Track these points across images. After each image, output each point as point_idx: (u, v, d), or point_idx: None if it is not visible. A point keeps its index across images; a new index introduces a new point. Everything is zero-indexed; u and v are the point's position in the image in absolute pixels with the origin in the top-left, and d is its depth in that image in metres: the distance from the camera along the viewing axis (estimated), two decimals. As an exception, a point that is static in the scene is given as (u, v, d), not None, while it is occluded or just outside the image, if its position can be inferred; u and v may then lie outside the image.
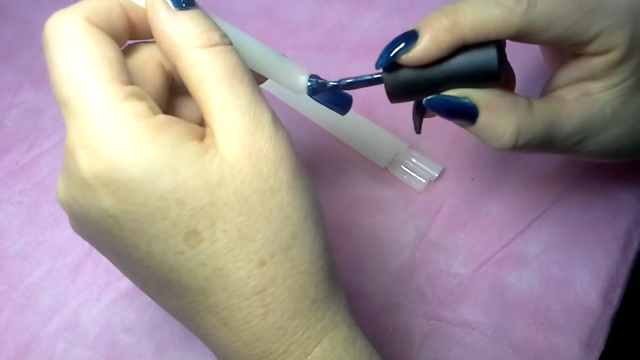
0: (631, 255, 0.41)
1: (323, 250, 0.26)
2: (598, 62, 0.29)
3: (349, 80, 0.31)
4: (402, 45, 0.28)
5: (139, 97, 0.23)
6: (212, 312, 0.25)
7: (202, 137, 0.24)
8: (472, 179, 0.44)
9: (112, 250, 0.25)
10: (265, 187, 0.24)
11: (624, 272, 0.40)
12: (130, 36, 0.26)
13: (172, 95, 0.28)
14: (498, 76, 0.29)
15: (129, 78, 0.24)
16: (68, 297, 0.40)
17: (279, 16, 0.52)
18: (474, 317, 0.39)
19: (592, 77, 0.30)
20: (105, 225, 0.24)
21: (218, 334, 0.25)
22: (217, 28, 0.25)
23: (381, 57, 0.29)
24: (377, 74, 0.30)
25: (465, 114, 0.29)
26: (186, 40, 0.24)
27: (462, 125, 0.31)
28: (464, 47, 0.28)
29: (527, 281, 0.40)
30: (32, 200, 0.44)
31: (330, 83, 0.31)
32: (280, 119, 0.46)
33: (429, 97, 0.30)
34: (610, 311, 0.39)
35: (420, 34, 0.28)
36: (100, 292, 0.40)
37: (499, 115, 0.29)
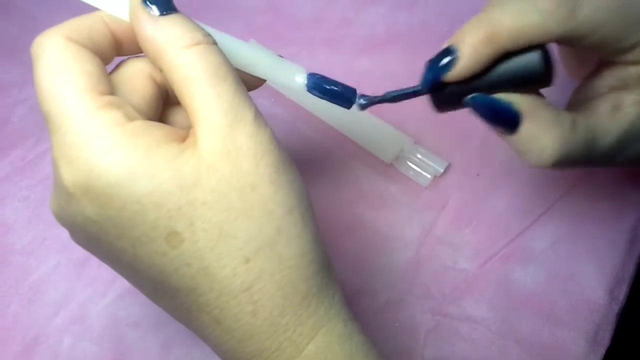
0: (637, 251, 0.40)
1: (313, 244, 0.25)
2: (633, 70, 0.29)
3: (395, 95, 0.31)
4: (443, 64, 0.28)
5: (116, 105, 0.24)
6: (204, 311, 0.25)
7: (182, 139, 0.24)
8: (478, 175, 0.43)
9: (105, 255, 0.26)
10: (244, 184, 0.24)
11: (630, 268, 0.40)
12: (118, 52, 0.27)
13: (166, 106, 0.28)
14: (547, 78, 0.28)
15: (108, 88, 0.24)
16: (74, 292, 0.40)
17: (284, 11, 0.52)
18: (479, 313, 0.39)
19: (624, 86, 0.29)
20: (92, 232, 0.24)
21: (213, 333, 0.25)
22: (199, 28, 0.25)
23: (424, 79, 0.29)
24: (418, 86, 0.30)
25: (508, 118, 0.28)
26: (169, 43, 0.24)
27: (501, 134, 0.29)
28: (506, 54, 0.27)
29: (532, 276, 0.40)
30: (38, 196, 0.44)
31: (376, 99, 0.32)
32: (285, 114, 0.46)
33: (473, 95, 0.29)
34: (616, 307, 0.39)
35: (459, 50, 0.27)
36: (106, 287, 0.40)
37: (541, 127, 0.28)
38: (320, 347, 0.25)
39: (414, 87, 0.30)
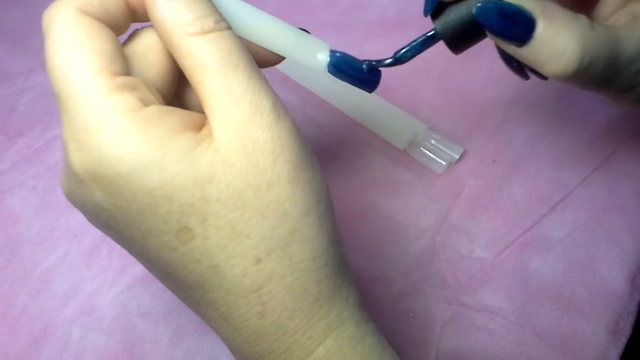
0: (660, 239, 0.39)
1: (328, 246, 0.24)
2: None
3: (404, 51, 0.29)
4: None
5: (130, 87, 0.22)
6: (212, 307, 0.24)
7: (199, 127, 0.23)
8: (494, 161, 0.42)
9: (117, 240, 0.25)
10: (261, 181, 0.22)
11: (652, 256, 0.39)
12: (133, 19, 0.25)
13: (182, 80, 0.27)
14: None
15: (123, 67, 0.23)
16: (83, 283, 0.40)
17: (294, -5, 0.51)
18: (496, 303, 0.38)
19: None
20: (102, 218, 0.24)
21: (221, 328, 0.25)
22: (212, 13, 0.23)
23: (426, 5, 0.27)
24: (429, 31, 0.28)
25: (521, 23, 0.25)
26: (179, 28, 0.23)
27: (514, 49, 0.26)
28: None
29: (551, 265, 0.39)
30: (46, 185, 0.44)
31: (387, 61, 0.29)
32: (296, 100, 0.45)
33: (478, 5, 0.26)
34: (638, 296, 0.38)
35: None
36: (115, 277, 0.40)
37: (559, 26, 0.25)
38: (330, 351, 0.25)
39: (422, 35, 0.28)
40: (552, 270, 0.39)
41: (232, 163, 0.22)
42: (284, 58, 0.28)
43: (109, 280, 0.40)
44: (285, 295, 0.24)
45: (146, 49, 0.25)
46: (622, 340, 0.37)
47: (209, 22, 0.23)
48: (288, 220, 0.23)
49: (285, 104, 0.47)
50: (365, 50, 0.48)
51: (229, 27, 0.24)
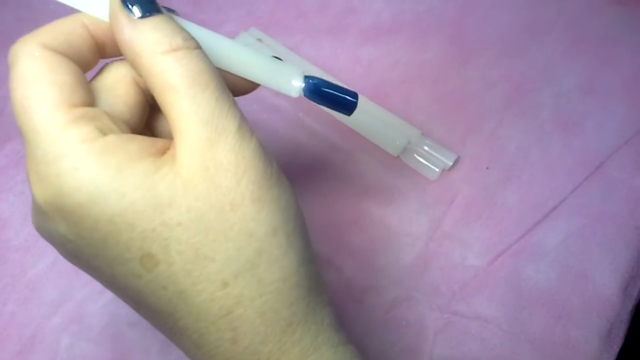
0: (653, 247, 0.39)
1: (298, 266, 0.24)
2: None
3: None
4: None
5: (89, 118, 0.22)
6: (184, 335, 0.24)
7: (162, 152, 0.23)
8: (488, 168, 0.42)
9: (87, 271, 0.25)
10: (224, 202, 0.22)
11: (645, 264, 0.39)
12: (101, 55, 0.25)
13: (154, 112, 0.27)
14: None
15: (85, 99, 0.23)
16: (72, 290, 0.39)
17: (287, -1, 0.51)
18: (489, 311, 0.38)
19: None
20: (69, 249, 0.23)
21: (195, 356, 0.24)
22: (180, 32, 0.23)
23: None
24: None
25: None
26: (147, 48, 0.22)
27: None
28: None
29: (544, 273, 0.39)
30: (35, 191, 0.43)
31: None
32: (288, 106, 0.45)
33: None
34: (630, 304, 0.38)
35: None
36: (105, 285, 0.39)
37: None
38: None
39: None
40: (545, 278, 0.39)
41: (194, 185, 0.22)
42: (258, 85, 0.28)
43: (98, 288, 0.39)
44: (256, 320, 0.23)
45: (114, 82, 0.25)
46: (615, 349, 0.37)
47: (177, 40, 0.22)
48: (254, 240, 0.23)
49: (277, 109, 0.47)
50: (359, 55, 0.47)
51: (199, 47, 0.23)
